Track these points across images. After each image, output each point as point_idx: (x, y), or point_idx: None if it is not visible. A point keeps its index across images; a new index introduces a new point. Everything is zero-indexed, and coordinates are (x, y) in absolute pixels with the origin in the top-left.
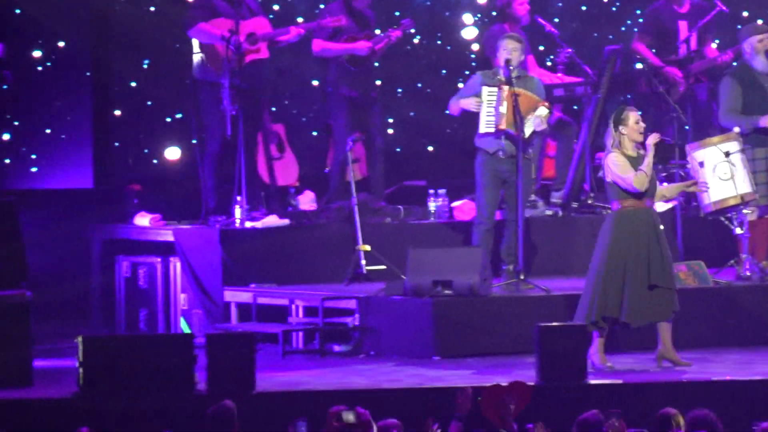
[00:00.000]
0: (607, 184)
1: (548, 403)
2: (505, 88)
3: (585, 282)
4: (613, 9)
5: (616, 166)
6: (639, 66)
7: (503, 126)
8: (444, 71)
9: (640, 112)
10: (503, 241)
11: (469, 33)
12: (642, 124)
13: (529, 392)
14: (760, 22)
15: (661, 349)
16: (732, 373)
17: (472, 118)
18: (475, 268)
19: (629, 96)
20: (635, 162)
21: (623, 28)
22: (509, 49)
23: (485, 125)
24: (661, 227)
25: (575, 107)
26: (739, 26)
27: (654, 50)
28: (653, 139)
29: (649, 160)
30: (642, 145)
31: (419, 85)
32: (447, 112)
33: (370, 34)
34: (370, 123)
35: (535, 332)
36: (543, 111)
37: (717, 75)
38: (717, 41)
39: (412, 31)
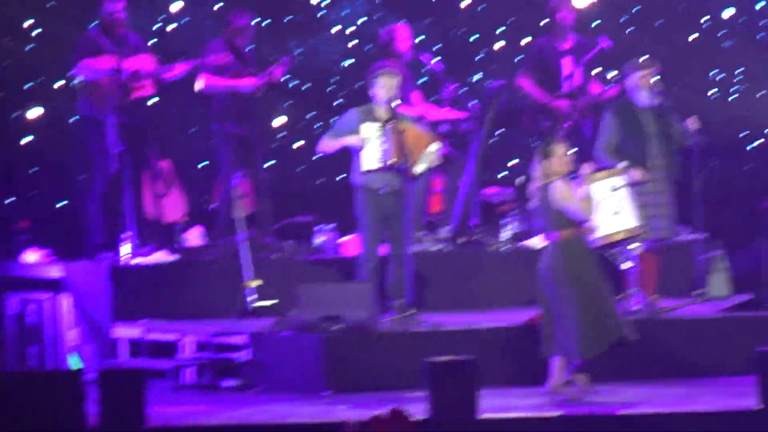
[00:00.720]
0: (543, 214)
1: None
2: (391, 123)
3: (555, 318)
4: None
5: (563, 194)
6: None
7: (392, 161)
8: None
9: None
10: (390, 277)
11: None
12: (569, 156)
13: (411, 421)
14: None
15: (556, 382)
16: (633, 407)
17: (342, 154)
18: (364, 303)
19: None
20: None
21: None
22: (388, 86)
23: (372, 162)
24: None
25: (461, 143)
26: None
27: (540, 86)
28: (587, 169)
29: (585, 193)
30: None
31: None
32: (318, 151)
33: (252, 71)
34: (256, 159)
35: (424, 367)
36: (436, 146)
37: (602, 110)
38: (615, 72)
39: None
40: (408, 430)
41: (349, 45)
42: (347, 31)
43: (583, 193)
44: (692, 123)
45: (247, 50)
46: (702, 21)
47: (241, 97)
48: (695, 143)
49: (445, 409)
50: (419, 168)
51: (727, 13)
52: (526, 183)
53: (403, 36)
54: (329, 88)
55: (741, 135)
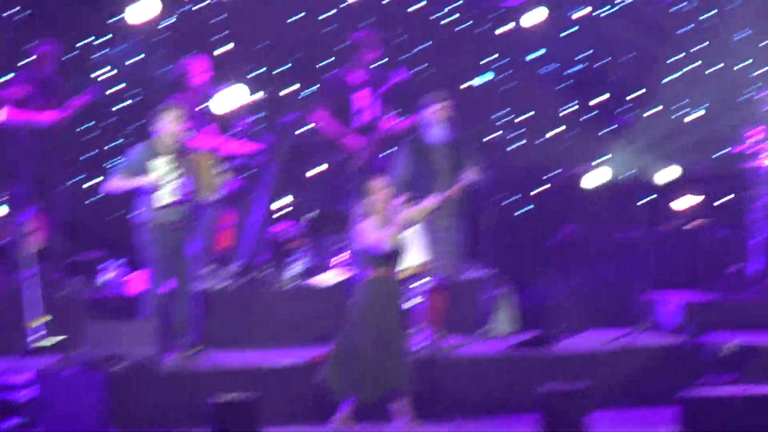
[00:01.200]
0: (358, 252)
1: None
2: (184, 156)
3: (347, 355)
4: None
5: (364, 232)
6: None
7: (186, 195)
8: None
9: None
10: (177, 313)
11: None
12: (388, 190)
13: None
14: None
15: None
16: None
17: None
18: (149, 341)
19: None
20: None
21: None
22: (175, 120)
23: (165, 196)
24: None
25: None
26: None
27: (334, 120)
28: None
29: (395, 227)
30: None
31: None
32: (104, 191)
33: (57, 101)
34: (52, 193)
35: (208, 406)
36: (223, 179)
37: (394, 144)
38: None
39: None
40: None
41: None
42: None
43: (396, 226)
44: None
45: (53, 79)
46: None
47: (42, 130)
48: (485, 180)
49: None
50: (208, 199)
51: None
52: (317, 218)
53: (198, 69)
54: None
55: (531, 174)
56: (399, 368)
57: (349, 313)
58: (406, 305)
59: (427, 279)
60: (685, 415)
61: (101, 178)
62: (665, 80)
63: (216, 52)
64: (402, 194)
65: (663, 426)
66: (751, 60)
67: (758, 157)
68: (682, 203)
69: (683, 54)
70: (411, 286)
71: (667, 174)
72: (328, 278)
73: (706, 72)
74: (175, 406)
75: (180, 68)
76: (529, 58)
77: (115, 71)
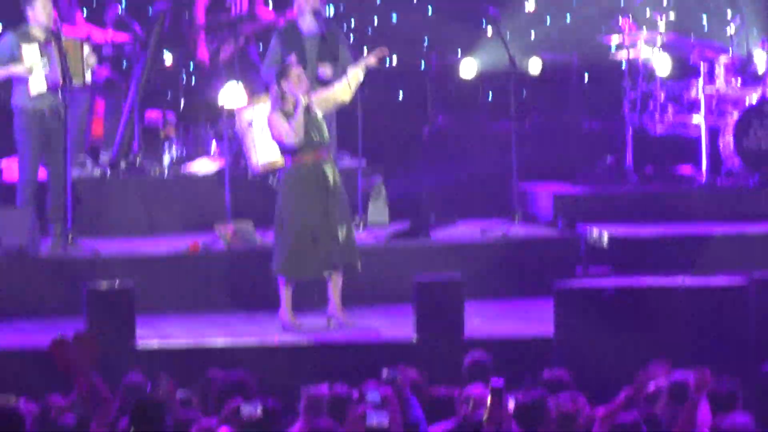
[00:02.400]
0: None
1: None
2: (52, 43)
3: (275, 233)
4: None
5: (272, 127)
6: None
7: (54, 82)
8: None
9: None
10: (50, 202)
11: None
12: (304, 79)
13: (94, 342)
14: None
15: (330, 308)
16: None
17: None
18: (23, 229)
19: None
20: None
21: None
22: (45, 6)
23: (38, 84)
24: (334, 181)
25: (124, 66)
26: None
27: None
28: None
29: (299, 115)
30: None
31: None
32: None
33: None
34: None
35: (82, 294)
36: (92, 59)
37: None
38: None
39: None
40: (90, 352)
41: None
42: None
43: (295, 120)
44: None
45: None
46: None
47: None
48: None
49: (105, 336)
50: (79, 85)
51: None
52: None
53: None
54: None
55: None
56: (328, 252)
57: (279, 199)
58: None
59: None
60: (558, 306)
61: None
62: None
63: None
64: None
65: (537, 316)
66: None
67: (630, 47)
68: None
69: None
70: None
71: (533, 65)
72: (202, 166)
73: None
74: (49, 294)
75: None
76: None
77: None
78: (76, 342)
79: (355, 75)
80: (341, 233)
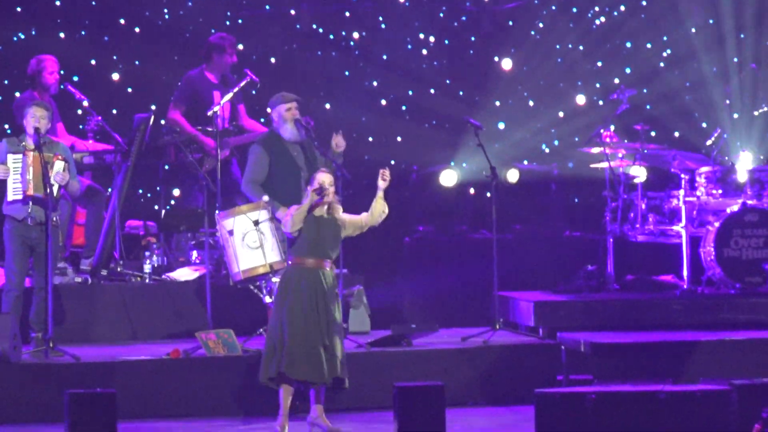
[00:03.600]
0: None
1: None
2: (30, 154)
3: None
4: None
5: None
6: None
7: (31, 192)
8: None
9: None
10: (32, 309)
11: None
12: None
13: None
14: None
15: (313, 414)
16: None
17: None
18: (5, 335)
19: (161, 165)
20: (319, 220)
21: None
22: (37, 117)
23: (13, 192)
24: (335, 290)
25: (106, 174)
26: None
27: (189, 119)
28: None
29: (302, 208)
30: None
31: None
32: None
33: None
34: None
35: (65, 399)
36: (60, 165)
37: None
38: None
39: None
40: None
41: None
42: None
43: (296, 210)
44: (336, 142)
45: None
46: None
47: None
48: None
49: None
50: (63, 186)
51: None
52: (167, 216)
53: (52, 68)
54: None
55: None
56: (314, 360)
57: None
58: (267, 300)
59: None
60: (538, 413)
61: None
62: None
63: None
64: (257, 192)
65: (517, 423)
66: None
67: (611, 158)
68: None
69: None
70: (267, 284)
71: (511, 175)
72: (182, 274)
73: None
74: (31, 400)
75: (35, 64)
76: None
77: None
78: None
79: (380, 206)
80: (338, 344)
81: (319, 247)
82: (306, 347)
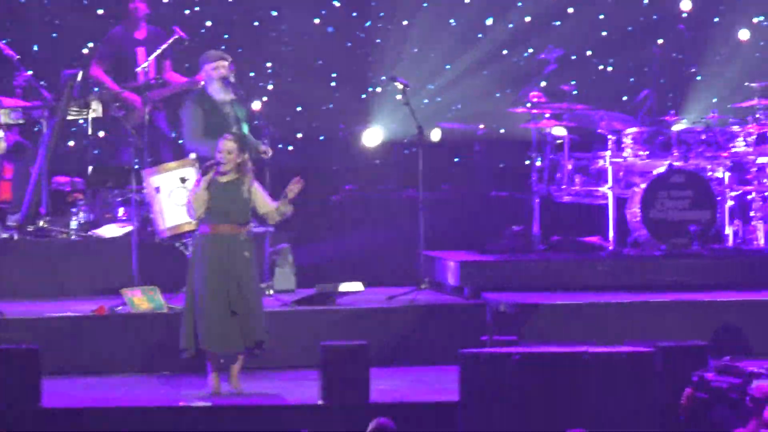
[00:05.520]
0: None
1: None
2: None
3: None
4: None
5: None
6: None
7: None
8: None
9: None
10: None
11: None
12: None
13: None
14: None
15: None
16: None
17: None
18: None
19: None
20: (226, 186)
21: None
22: None
23: None
24: (245, 253)
25: (34, 130)
26: None
27: (113, 76)
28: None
29: (198, 193)
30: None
31: None
32: None
33: None
34: None
35: None
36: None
37: (176, 102)
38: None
39: None
40: None
41: None
42: None
43: (194, 189)
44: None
45: None
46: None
47: None
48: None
49: (7, 399)
50: None
51: None
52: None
53: None
54: None
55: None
56: (225, 331)
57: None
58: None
59: None
60: (462, 373)
61: None
62: None
63: None
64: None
65: (441, 383)
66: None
67: (538, 118)
68: None
69: None
70: (189, 242)
71: (434, 134)
72: (109, 231)
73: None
74: None
75: None
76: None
77: None
78: None
79: (284, 208)
80: (255, 308)
81: (226, 213)
82: (217, 319)
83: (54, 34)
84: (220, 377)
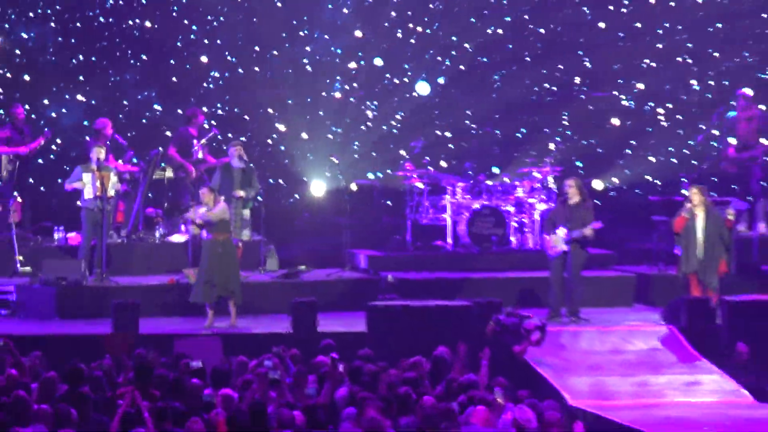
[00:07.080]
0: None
1: None
2: (97, 173)
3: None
4: None
5: (198, 213)
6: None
7: (99, 193)
8: None
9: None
10: (95, 256)
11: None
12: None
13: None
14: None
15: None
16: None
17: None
18: (77, 270)
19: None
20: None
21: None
22: (98, 153)
23: (89, 193)
24: (227, 251)
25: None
26: None
27: (179, 154)
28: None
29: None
30: None
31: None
32: (66, 189)
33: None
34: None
35: (111, 307)
36: (114, 178)
37: (211, 170)
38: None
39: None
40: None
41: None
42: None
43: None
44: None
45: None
46: None
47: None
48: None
49: (121, 329)
50: (111, 192)
51: None
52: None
53: (105, 124)
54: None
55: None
56: (228, 286)
57: (202, 257)
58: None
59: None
60: (369, 318)
61: (60, 180)
62: None
63: None
64: (216, 196)
65: (357, 322)
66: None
67: (410, 178)
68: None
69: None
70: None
71: (354, 186)
72: (176, 239)
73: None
74: (93, 307)
75: (99, 124)
76: None
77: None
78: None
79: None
80: (231, 280)
81: (217, 227)
82: (205, 282)
83: (143, 120)
84: (214, 317)
